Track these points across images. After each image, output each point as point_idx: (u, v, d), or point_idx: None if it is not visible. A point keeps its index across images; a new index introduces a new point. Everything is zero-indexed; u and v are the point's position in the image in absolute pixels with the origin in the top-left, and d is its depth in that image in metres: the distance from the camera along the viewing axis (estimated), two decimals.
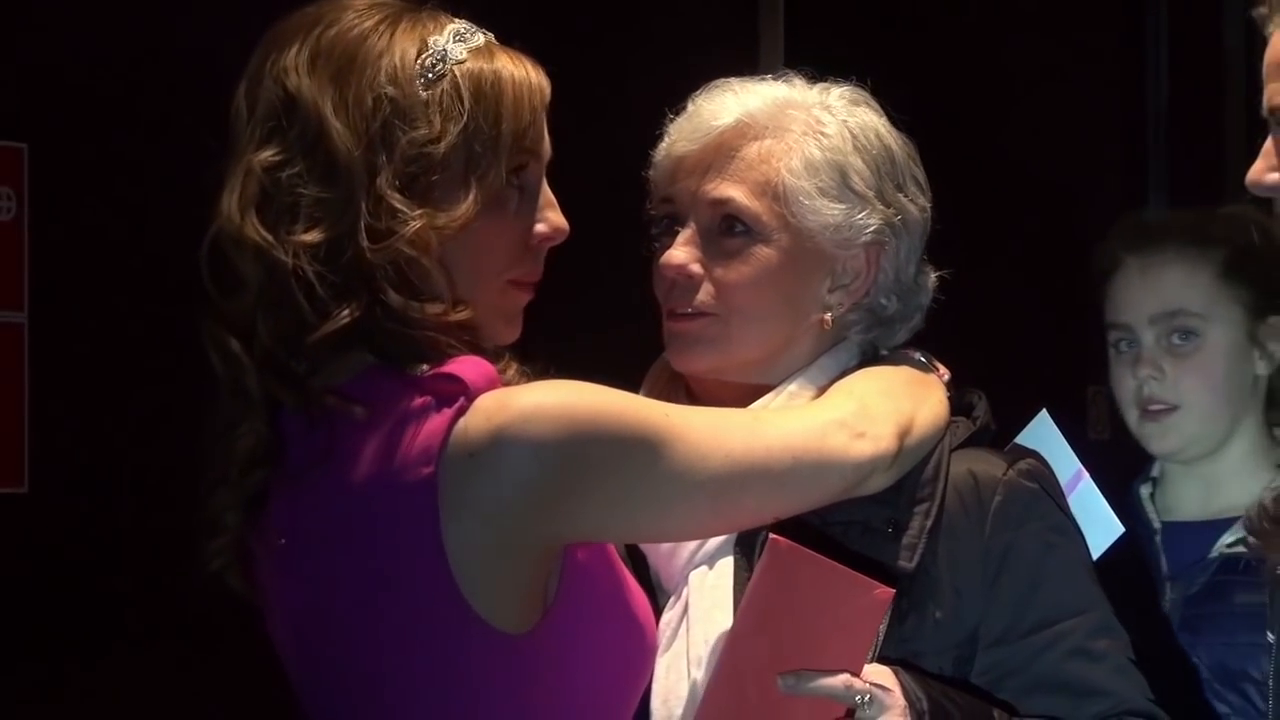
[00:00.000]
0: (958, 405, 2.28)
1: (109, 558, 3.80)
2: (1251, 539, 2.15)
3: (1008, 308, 2.35)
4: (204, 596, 2.06)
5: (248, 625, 2.14)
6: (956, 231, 2.36)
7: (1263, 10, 2.07)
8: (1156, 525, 2.75)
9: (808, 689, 2.01)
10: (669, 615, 2.18)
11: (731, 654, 2.02)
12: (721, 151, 2.25)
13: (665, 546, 2.19)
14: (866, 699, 2.02)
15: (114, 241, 3.85)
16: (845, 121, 2.27)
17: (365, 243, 1.94)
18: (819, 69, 2.32)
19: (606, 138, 2.16)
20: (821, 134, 2.25)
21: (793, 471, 2.05)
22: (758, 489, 2.04)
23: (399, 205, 1.95)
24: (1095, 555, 2.31)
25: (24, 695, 3.72)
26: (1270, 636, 2.14)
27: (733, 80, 2.32)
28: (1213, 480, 2.79)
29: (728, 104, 2.27)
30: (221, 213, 1.98)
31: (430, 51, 1.99)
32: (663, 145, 2.31)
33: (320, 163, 1.95)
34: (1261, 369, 2.77)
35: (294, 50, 1.99)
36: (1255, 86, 2.66)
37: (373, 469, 1.93)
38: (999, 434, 2.30)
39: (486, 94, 1.99)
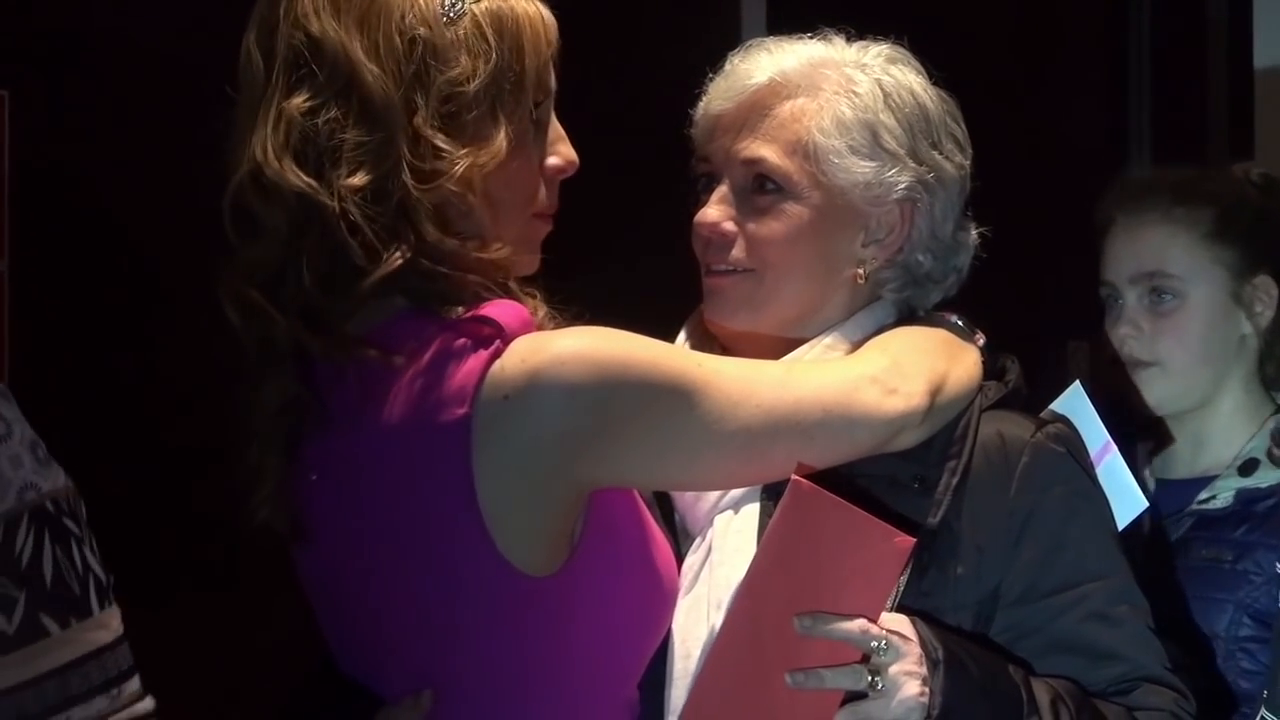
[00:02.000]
0: (991, 369, 2.29)
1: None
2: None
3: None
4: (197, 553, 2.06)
5: (247, 592, 2.14)
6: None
7: None
8: (1150, 485, 2.77)
9: (824, 631, 2.03)
10: (692, 559, 2.20)
11: (748, 593, 2.04)
12: (755, 110, 2.27)
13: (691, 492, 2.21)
14: (883, 645, 2.04)
15: (99, 193, 3.82)
16: (879, 80, 2.28)
17: (411, 183, 1.96)
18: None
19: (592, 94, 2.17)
20: (853, 92, 2.27)
21: (823, 424, 2.07)
22: (787, 440, 2.05)
23: (443, 144, 1.97)
24: (1119, 527, 2.32)
25: None
26: None
27: (769, 39, 2.34)
28: (1200, 438, 2.82)
29: (762, 63, 2.29)
30: (254, 159, 1.98)
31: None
32: (701, 104, 2.33)
33: (356, 106, 1.97)
34: (1247, 328, 2.80)
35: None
36: (1237, 51, 2.66)
37: (407, 410, 1.95)
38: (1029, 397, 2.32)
39: (509, 31, 2.02)
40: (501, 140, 2.00)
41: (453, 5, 2.00)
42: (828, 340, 2.27)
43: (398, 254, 1.95)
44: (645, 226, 2.48)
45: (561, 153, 2.10)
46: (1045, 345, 3.09)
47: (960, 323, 2.31)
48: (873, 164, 2.26)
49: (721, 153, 2.28)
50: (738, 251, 2.27)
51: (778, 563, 2.03)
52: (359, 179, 1.95)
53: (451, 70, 1.98)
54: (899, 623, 2.08)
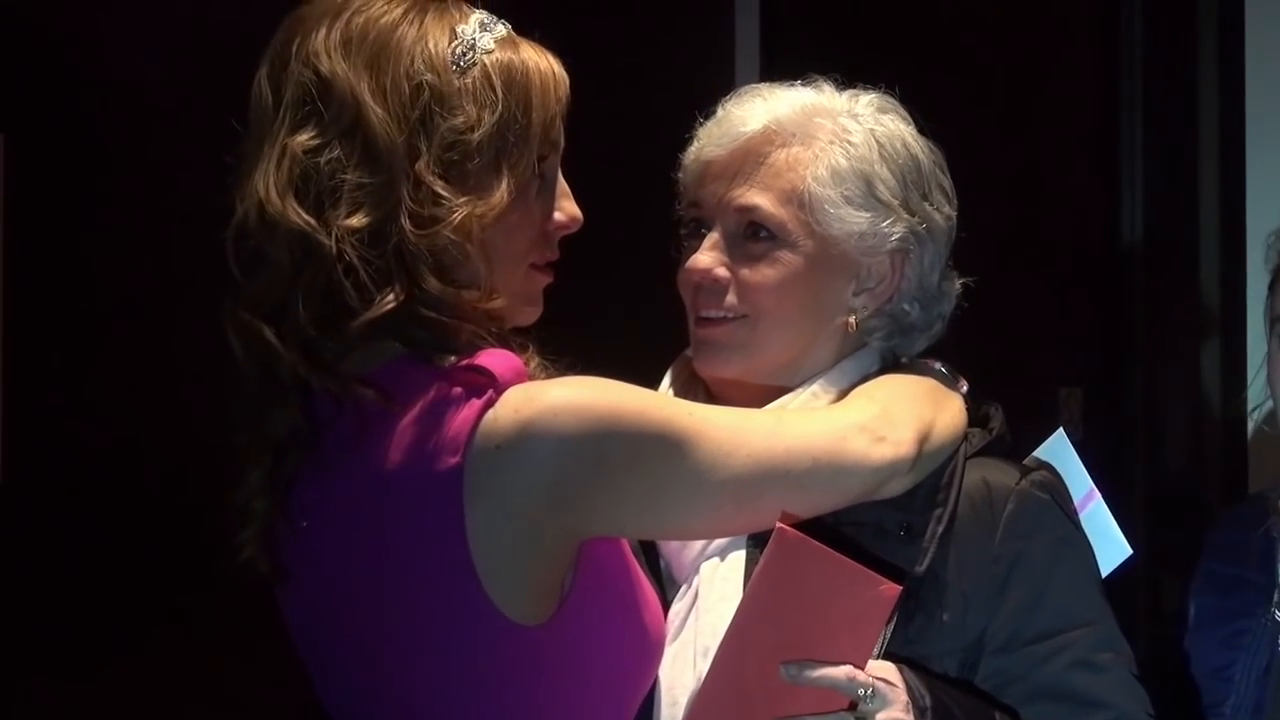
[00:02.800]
0: (975, 416, 2.30)
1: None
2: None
3: (980, 308, 2.36)
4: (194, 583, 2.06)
5: (235, 612, 2.14)
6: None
7: None
8: None
9: (810, 679, 2.03)
10: (678, 606, 2.21)
11: (733, 641, 2.04)
12: (749, 158, 2.28)
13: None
14: (869, 692, 2.05)
15: (95, 234, 3.83)
16: (872, 130, 2.29)
17: (409, 228, 1.96)
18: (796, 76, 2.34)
19: (599, 138, 2.18)
20: (848, 142, 2.28)
21: (812, 473, 2.07)
22: (777, 489, 2.06)
23: (442, 191, 1.98)
24: (1104, 574, 2.33)
25: None
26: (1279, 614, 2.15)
27: (762, 85, 2.35)
28: None
29: (756, 110, 2.30)
30: (255, 195, 1.99)
31: (460, 40, 2.02)
32: (691, 149, 2.34)
33: (360, 147, 1.98)
34: None
35: (322, 34, 2.01)
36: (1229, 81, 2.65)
37: (400, 458, 1.95)
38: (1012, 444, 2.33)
39: (517, 84, 2.03)
40: (503, 192, 2.01)
41: (464, 55, 2.01)
42: (814, 388, 2.28)
43: (390, 297, 1.96)
44: (637, 273, 2.49)
45: (566, 209, 2.11)
46: (1039, 392, 3.08)
47: (944, 370, 2.32)
48: (867, 214, 2.27)
49: (713, 199, 2.29)
50: (730, 298, 2.27)
51: (763, 610, 2.04)
52: (357, 220, 1.96)
53: (456, 118, 1.99)
54: (886, 670, 2.09)
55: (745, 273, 2.27)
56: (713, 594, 2.19)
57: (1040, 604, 2.21)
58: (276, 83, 2.02)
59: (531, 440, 1.93)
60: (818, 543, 2.03)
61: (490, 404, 1.95)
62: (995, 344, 3.68)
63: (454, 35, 2.02)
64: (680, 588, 2.23)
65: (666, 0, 3.81)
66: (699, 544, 2.22)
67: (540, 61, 2.06)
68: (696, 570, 2.22)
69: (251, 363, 2.02)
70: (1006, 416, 2.33)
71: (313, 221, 1.96)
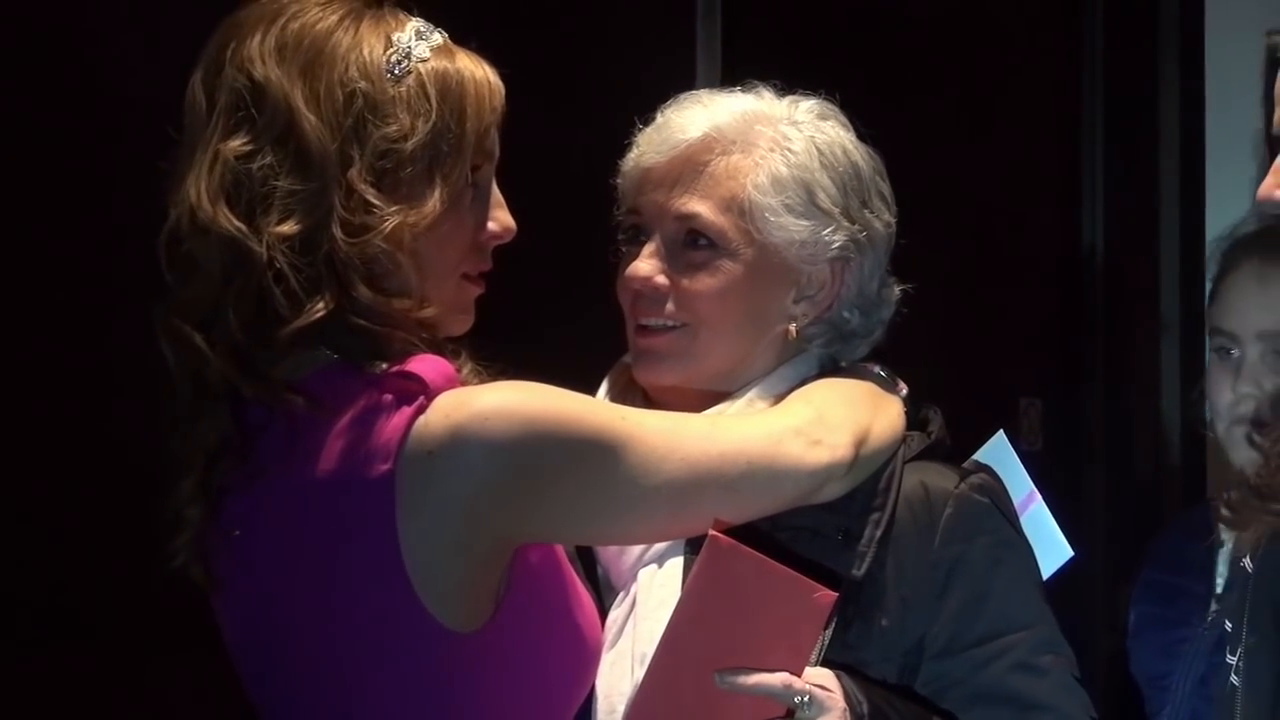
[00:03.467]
0: (914, 420, 2.30)
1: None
2: (1225, 513, 2.15)
3: (940, 319, 2.37)
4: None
5: (180, 614, 2.13)
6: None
7: (1276, 39, 2.11)
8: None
9: (746, 686, 2.03)
10: (616, 613, 2.21)
11: (668, 649, 2.04)
12: (689, 165, 2.27)
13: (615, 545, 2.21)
14: (806, 699, 2.04)
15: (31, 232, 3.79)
16: (813, 138, 2.29)
17: (340, 236, 1.96)
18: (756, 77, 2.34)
19: (545, 142, 2.17)
20: (789, 150, 2.27)
21: (747, 477, 2.07)
22: (712, 494, 2.06)
23: (374, 200, 1.97)
24: (1044, 576, 2.33)
25: None
26: (1229, 625, 2.16)
27: (702, 92, 2.35)
28: None
29: (696, 117, 2.29)
30: (187, 201, 1.99)
31: (395, 48, 2.01)
32: (631, 155, 2.33)
33: (292, 154, 1.97)
34: None
35: (257, 40, 2.01)
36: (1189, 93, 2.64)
37: (332, 465, 1.95)
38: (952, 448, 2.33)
39: (452, 93, 2.02)
40: (435, 201, 2.00)
41: (399, 63, 2.01)
42: (752, 393, 2.27)
43: (320, 305, 1.95)
44: (576, 279, 2.49)
45: (499, 219, 2.10)
46: (999, 403, 3.09)
47: (883, 373, 2.32)
48: (808, 223, 2.27)
49: (653, 206, 2.28)
50: (670, 306, 2.27)
51: (697, 618, 2.03)
52: (288, 227, 1.95)
53: (389, 127, 1.98)
54: (823, 677, 2.09)
55: (685, 281, 2.26)
56: (650, 601, 2.18)
57: (980, 607, 2.20)
58: (210, 88, 2.02)
59: (463, 446, 1.92)
60: (750, 550, 2.03)
61: (421, 410, 1.94)
62: (955, 355, 3.69)
63: (389, 43, 2.01)
64: (618, 595, 2.22)
65: (627, 7, 3.81)
66: (636, 550, 2.21)
67: (475, 71, 2.05)
68: (634, 577, 2.21)
69: (182, 370, 2.01)
70: (966, 427, 2.33)
71: (243, 228, 1.96)
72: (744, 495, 2.08)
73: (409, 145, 1.98)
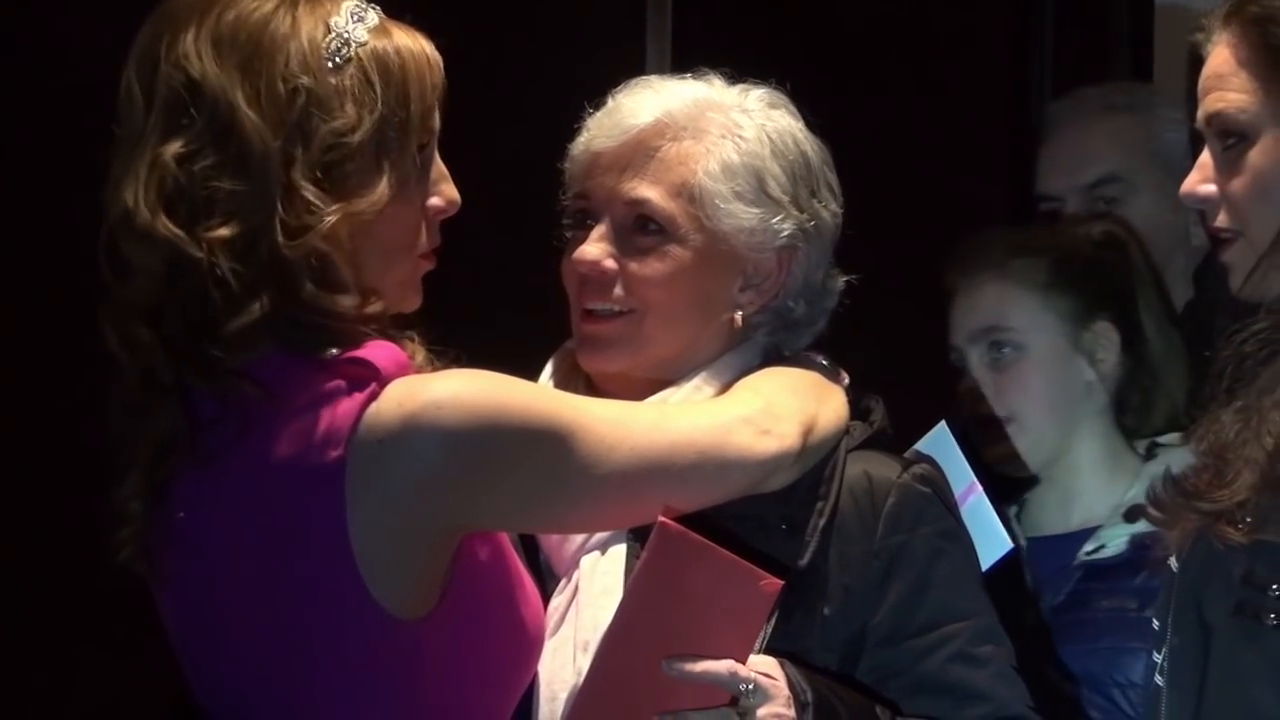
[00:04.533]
0: (856, 409, 2.31)
1: None
2: (1154, 511, 2.17)
3: (890, 309, 2.38)
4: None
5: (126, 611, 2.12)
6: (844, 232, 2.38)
7: (1200, 36, 2.13)
8: (1022, 542, 2.77)
9: (693, 674, 2.04)
10: (558, 600, 2.21)
11: (615, 636, 2.05)
12: (639, 150, 2.27)
13: None
14: (750, 687, 2.05)
15: None
16: (764, 125, 2.29)
17: (280, 238, 1.93)
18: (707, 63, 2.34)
19: (489, 129, 2.16)
20: (740, 137, 2.27)
21: (697, 467, 2.08)
22: (662, 483, 2.06)
23: (313, 199, 1.94)
24: (984, 568, 2.35)
25: None
26: (1155, 624, 2.18)
27: (653, 77, 2.35)
28: (1068, 493, 2.83)
29: (647, 102, 2.29)
30: (125, 206, 1.95)
31: (334, 34, 1.99)
32: (580, 139, 2.32)
33: (233, 155, 1.94)
34: (1091, 375, 2.81)
35: (191, 35, 1.97)
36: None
37: (283, 451, 1.94)
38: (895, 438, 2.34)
39: (394, 77, 2.00)
40: (384, 188, 1.98)
41: (339, 50, 1.98)
42: (697, 381, 2.27)
43: (258, 307, 1.93)
44: (522, 265, 2.48)
45: (444, 192, 2.09)
46: (945, 389, 3.09)
47: (825, 363, 2.33)
48: (757, 210, 2.27)
49: (602, 191, 2.28)
50: (617, 291, 2.27)
51: (645, 605, 2.04)
52: (228, 230, 1.93)
53: (335, 121, 1.96)
54: (767, 665, 2.10)
55: (633, 266, 2.26)
56: (594, 588, 2.19)
57: (922, 597, 2.22)
58: (146, 85, 1.98)
59: (415, 434, 1.92)
60: (699, 537, 2.03)
61: (373, 397, 1.94)
62: (902, 343, 3.69)
63: (327, 29, 1.98)
64: (560, 581, 2.23)
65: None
66: (579, 537, 2.21)
67: (414, 47, 2.03)
68: (577, 564, 2.21)
69: (130, 363, 1.98)
70: (912, 413, 2.35)
71: (182, 234, 1.93)
72: (693, 484, 2.09)
73: (356, 138, 1.96)
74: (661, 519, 2.03)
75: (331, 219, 1.94)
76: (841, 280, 2.36)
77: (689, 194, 2.25)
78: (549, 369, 2.34)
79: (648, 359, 2.28)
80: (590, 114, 2.33)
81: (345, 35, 1.99)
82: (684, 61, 2.41)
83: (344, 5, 2.01)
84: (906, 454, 2.36)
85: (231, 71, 1.95)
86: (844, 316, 2.36)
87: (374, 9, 2.04)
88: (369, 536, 1.92)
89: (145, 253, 1.95)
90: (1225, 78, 2.09)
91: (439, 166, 2.09)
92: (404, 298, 2.07)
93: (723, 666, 2.04)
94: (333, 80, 1.97)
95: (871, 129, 2.97)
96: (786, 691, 2.08)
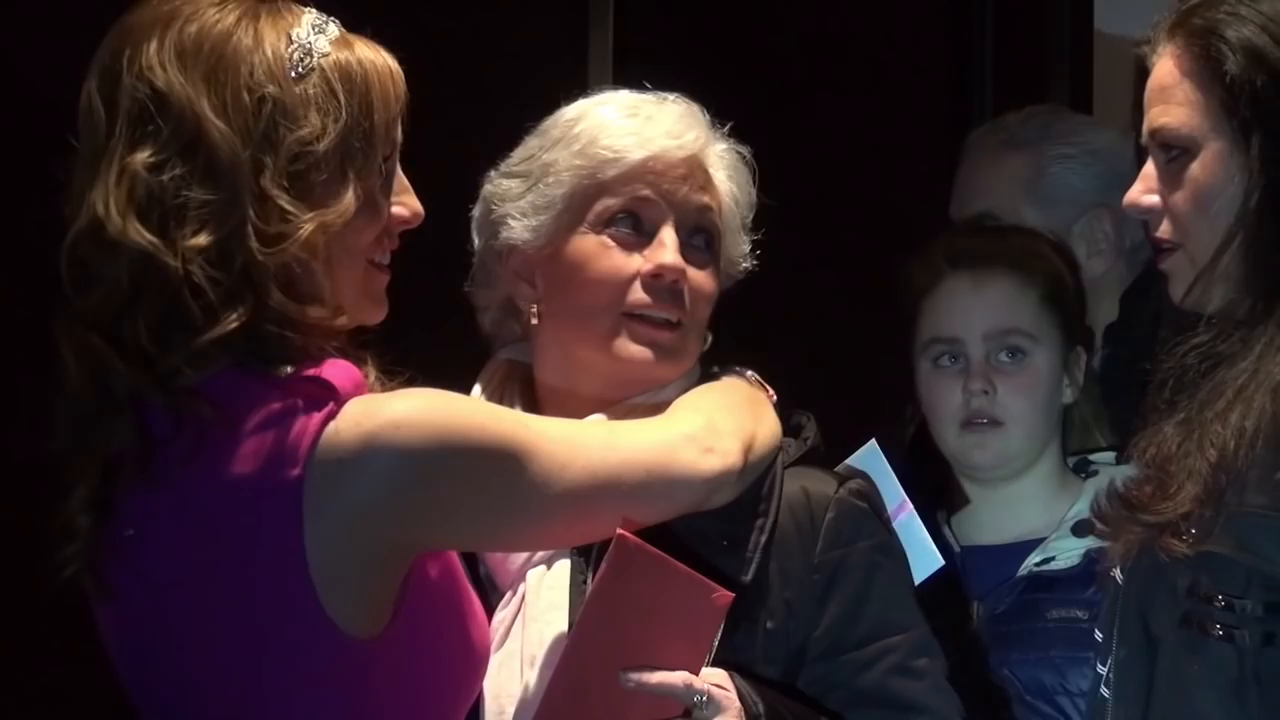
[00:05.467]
0: (788, 426, 2.33)
1: None
2: (1099, 525, 2.20)
3: (828, 325, 2.39)
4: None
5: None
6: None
7: (1145, 48, 2.15)
8: (956, 549, 2.78)
9: (650, 685, 2.06)
10: (502, 614, 2.21)
11: (574, 648, 2.06)
12: (694, 163, 2.28)
13: None
14: (704, 699, 2.08)
15: None
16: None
17: (256, 246, 1.93)
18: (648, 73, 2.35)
19: (432, 136, 2.15)
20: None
21: (645, 484, 2.10)
22: (612, 501, 2.08)
23: (288, 206, 1.95)
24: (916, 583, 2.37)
25: None
26: (1099, 635, 2.20)
27: (669, 95, 2.34)
28: (1012, 506, 2.83)
29: (687, 118, 2.31)
30: (94, 213, 1.94)
31: (296, 44, 1.99)
32: (620, 139, 2.27)
33: (202, 165, 1.94)
34: (1068, 396, 2.83)
35: (154, 46, 1.97)
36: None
37: (239, 469, 1.93)
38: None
39: (357, 87, 2.01)
40: (350, 199, 1.99)
41: (301, 60, 1.98)
42: (639, 399, 2.28)
43: (234, 317, 1.93)
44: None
45: (407, 204, 2.09)
46: (886, 406, 3.11)
47: (753, 378, 2.35)
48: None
49: (671, 194, 2.27)
50: (686, 304, 2.27)
51: (602, 617, 2.06)
52: (203, 239, 1.92)
53: (301, 130, 1.96)
54: (719, 677, 2.12)
55: (696, 280, 2.28)
56: (540, 603, 2.20)
57: (861, 611, 2.25)
58: (109, 96, 1.97)
59: (373, 454, 1.92)
60: (656, 550, 2.05)
61: (331, 416, 1.94)
62: (842, 358, 3.70)
63: (290, 40, 1.99)
64: (504, 595, 2.23)
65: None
66: (524, 553, 2.22)
67: (376, 60, 2.04)
68: (522, 578, 2.22)
69: (84, 377, 1.96)
70: (848, 434, 2.37)
71: (157, 241, 1.92)
72: (641, 502, 2.10)
73: (321, 147, 1.97)
74: (620, 532, 2.05)
75: (309, 227, 1.94)
76: None
77: (723, 215, 2.31)
78: (480, 385, 2.34)
79: (678, 373, 2.30)
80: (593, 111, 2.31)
81: (307, 45, 1.99)
82: (627, 77, 2.41)
83: (305, 18, 2.02)
84: (838, 470, 2.38)
85: (197, 82, 1.95)
86: (772, 331, 2.38)
87: (333, 22, 2.04)
88: (325, 555, 1.92)
89: (112, 262, 1.94)
90: (1168, 90, 2.13)
91: (401, 178, 2.09)
92: (366, 309, 2.07)
93: (677, 678, 2.07)
94: (297, 89, 1.97)
95: (809, 151, 2.97)
96: (738, 703, 2.11)
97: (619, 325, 2.26)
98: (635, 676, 2.06)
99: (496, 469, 1.99)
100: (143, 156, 1.94)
